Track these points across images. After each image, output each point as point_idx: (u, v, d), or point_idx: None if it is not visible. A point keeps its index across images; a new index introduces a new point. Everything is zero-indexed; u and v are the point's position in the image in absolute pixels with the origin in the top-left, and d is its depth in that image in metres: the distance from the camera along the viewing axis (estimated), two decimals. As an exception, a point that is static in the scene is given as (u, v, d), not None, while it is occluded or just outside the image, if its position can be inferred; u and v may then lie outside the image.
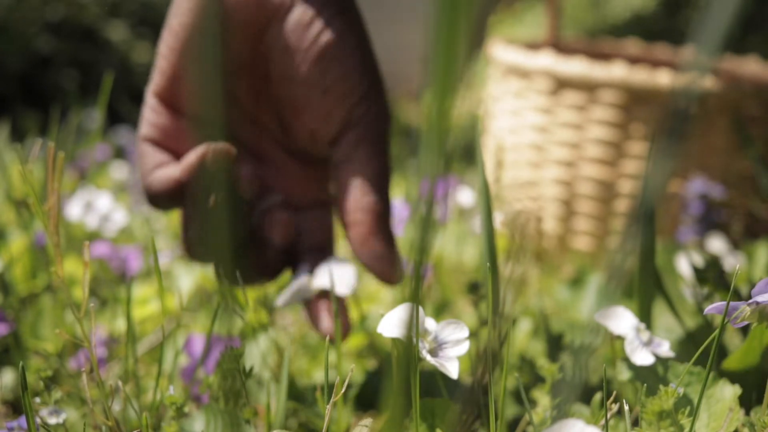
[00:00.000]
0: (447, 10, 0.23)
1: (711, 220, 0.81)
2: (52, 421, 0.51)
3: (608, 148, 0.85)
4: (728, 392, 0.48)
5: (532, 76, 0.88)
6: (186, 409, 0.50)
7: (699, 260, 0.69)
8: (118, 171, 1.22)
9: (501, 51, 0.92)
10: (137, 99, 1.96)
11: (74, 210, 0.84)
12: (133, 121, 1.61)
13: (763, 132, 0.86)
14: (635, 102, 0.83)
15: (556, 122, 0.87)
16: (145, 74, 1.93)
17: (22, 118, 1.58)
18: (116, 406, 0.54)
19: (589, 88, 0.85)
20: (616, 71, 0.83)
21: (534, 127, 0.89)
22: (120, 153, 1.40)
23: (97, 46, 1.91)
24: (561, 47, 1.03)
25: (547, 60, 0.87)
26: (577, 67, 0.84)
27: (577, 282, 0.74)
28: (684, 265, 0.71)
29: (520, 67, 0.89)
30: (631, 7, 2.43)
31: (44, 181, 0.75)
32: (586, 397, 0.55)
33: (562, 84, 0.87)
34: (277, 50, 0.46)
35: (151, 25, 2.03)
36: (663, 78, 0.82)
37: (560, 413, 0.51)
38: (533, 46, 1.00)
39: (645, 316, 0.53)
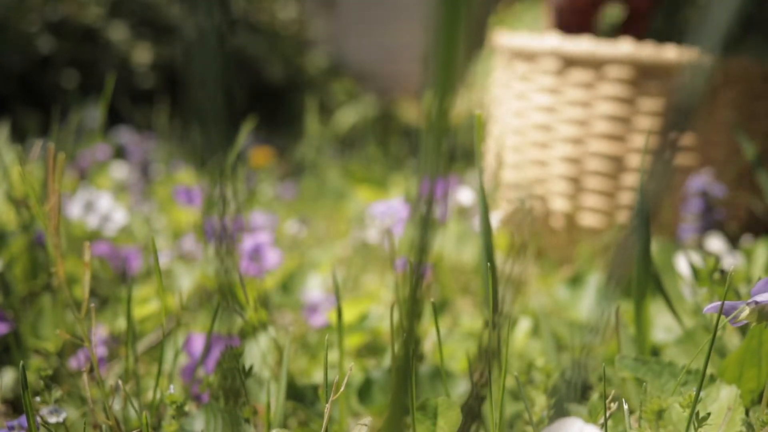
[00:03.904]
0: (447, 10, 0.23)
1: (711, 218, 0.82)
2: (53, 420, 0.51)
3: (617, 123, 0.86)
4: (726, 392, 0.48)
5: (538, 58, 0.90)
6: (186, 408, 0.50)
7: (698, 259, 0.69)
8: (119, 171, 1.22)
9: (506, 38, 0.94)
10: (137, 99, 1.97)
11: (74, 210, 0.84)
12: (133, 121, 1.62)
13: (766, 108, 0.87)
14: (643, 76, 0.85)
15: (563, 101, 0.89)
16: (145, 74, 1.93)
17: (23, 118, 1.59)
18: (116, 405, 0.54)
19: (596, 65, 0.86)
20: (623, 47, 0.85)
21: (541, 108, 0.90)
22: (120, 153, 1.41)
23: (98, 46, 1.91)
24: None
25: (554, 40, 0.89)
26: (584, 45, 0.86)
27: (576, 281, 0.74)
28: (683, 264, 0.71)
29: (526, 50, 0.91)
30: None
31: (45, 181, 0.75)
32: (584, 396, 0.55)
33: (569, 63, 0.88)
34: None
35: (151, 25, 2.03)
36: (670, 52, 0.84)
37: (558, 412, 0.51)
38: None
39: (641, 317, 0.53)
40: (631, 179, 0.87)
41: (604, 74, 0.86)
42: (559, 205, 0.90)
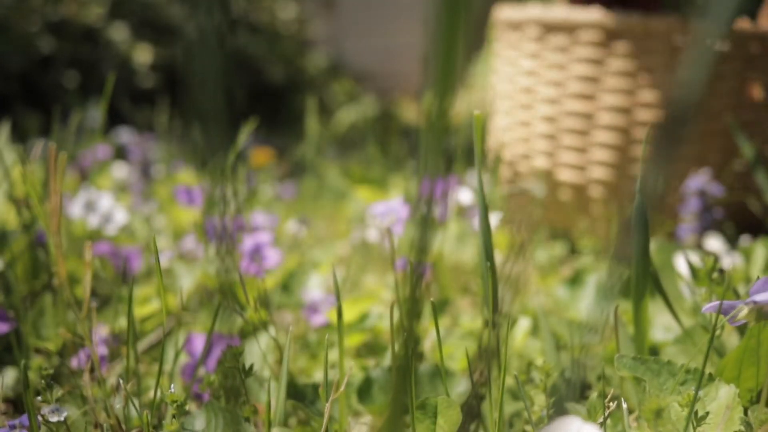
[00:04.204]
0: (447, 10, 0.24)
1: (709, 218, 0.82)
2: (54, 419, 0.51)
3: (588, 83, 0.94)
4: (724, 391, 0.49)
5: (524, 27, 0.98)
6: (186, 408, 0.50)
7: (697, 259, 0.69)
8: (119, 171, 1.22)
9: (501, 11, 1.02)
10: (138, 99, 1.96)
11: (75, 209, 0.84)
12: (133, 121, 1.62)
13: (763, 71, 0.91)
14: (611, 38, 0.92)
15: (543, 65, 0.97)
16: (145, 74, 1.93)
17: (23, 118, 1.59)
18: (117, 405, 0.55)
19: (570, 29, 0.94)
20: (594, 14, 0.93)
21: (525, 72, 0.98)
22: (121, 153, 1.41)
23: (98, 46, 1.92)
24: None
25: (536, 10, 0.97)
26: (559, 12, 0.95)
27: (575, 281, 0.75)
28: (682, 264, 0.71)
29: (515, 20, 1.00)
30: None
31: (46, 181, 0.75)
32: (584, 395, 0.55)
33: (548, 29, 0.96)
34: None
35: (151, 25, 2.03)
36: (635, 18, 0.90)
37: (558, 411, 0.51)
38: None
39: (640, 316, 0.53)
40: (601, 136, 0.94)
41: (578, 38, 0.94)
42: (541, 162, 0.97)
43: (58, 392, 0.55)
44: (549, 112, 0.96)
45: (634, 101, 0.91)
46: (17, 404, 0.63)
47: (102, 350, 0.63)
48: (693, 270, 0.57)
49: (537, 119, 0.97)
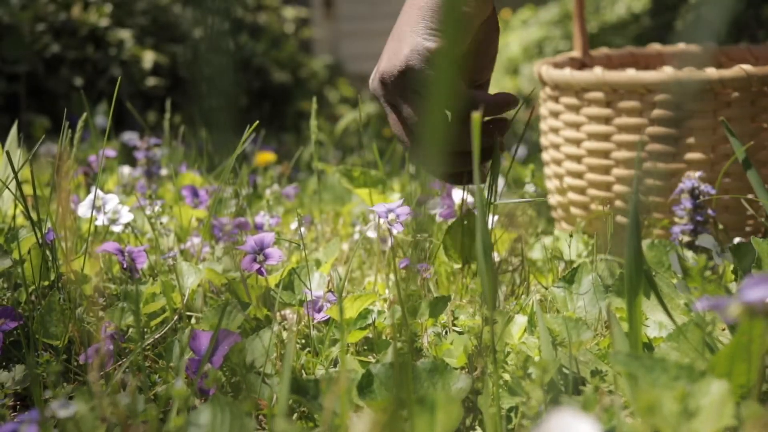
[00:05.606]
0: (447, 13, 0.25)
1: (703, 216, 0.83)
2: (62, 413, 0.53)
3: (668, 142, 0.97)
4: (716, 387, 0.50)
5: (588, 90, 1.00)
6: (191, 402, 0.51)
7: (690, 257, 0.71)
8: (126, 171, 1.24)
9: (554, 72, 1.04)
10: (144, 101, 1.97)
11: (82, 209, 0.85)
12: (140, 123, 1.63)
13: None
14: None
15: (615, 127, 0.99)
16: (152, 77, 1.94)
17: (31, 120, 1.60)
18: (124, 399, 0.56)
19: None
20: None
21: (594, 135, 1.00)
22: (127, 154, 1.42)
23: (105, 49, 1.93)
24: (592, 59, 1.17)
25: (599, 72, 0.98)
26: (630, 74, 0.95)
27: (571, 279, 0.76)
28: (675, 262, 0.72)
29: (575, 82, 1.00)
30: (631, 10, 2.50)
31: (53, 181, 0.77)
32: (579, 391, 0.57)
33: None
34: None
35: (155, 28, 2.04)
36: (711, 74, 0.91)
37: (554, 406, 0.52)
38: (574, 61, 1.14)
39: (633, 313, 0.55)
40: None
41: (652, 100, 0.95)
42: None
43: (66, 387, 0.56)
44: (625, 174, 0.98)
45: (716, 155, 0.93)
46: (26, 399, 0.64)
47: (109, 346, 0.64)
48: (685, 268, 0.58)
49: (614, 178, 0.99)
